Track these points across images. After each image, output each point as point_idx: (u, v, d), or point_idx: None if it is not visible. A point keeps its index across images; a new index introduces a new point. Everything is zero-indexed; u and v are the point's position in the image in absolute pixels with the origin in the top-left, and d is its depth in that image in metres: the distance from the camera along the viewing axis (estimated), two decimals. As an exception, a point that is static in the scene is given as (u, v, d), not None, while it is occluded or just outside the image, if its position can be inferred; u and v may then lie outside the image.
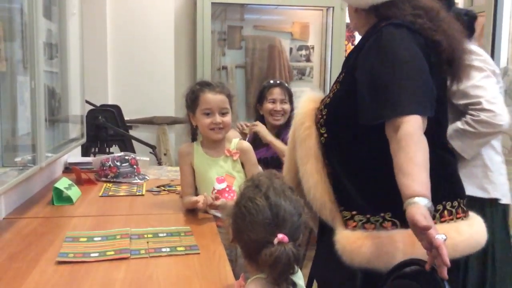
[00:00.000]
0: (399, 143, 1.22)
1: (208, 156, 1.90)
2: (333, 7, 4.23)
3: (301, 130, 1.54)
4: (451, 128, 1.77)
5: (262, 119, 2.78)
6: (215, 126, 1.84)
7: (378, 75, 1.32)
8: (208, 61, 4.05)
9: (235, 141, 1.93)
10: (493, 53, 3.81)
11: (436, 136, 1.39)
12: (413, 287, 1.18)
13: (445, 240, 1.09)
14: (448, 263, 1.07)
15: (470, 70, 1.62)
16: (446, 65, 1.44)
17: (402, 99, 1.27)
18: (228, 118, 1.86)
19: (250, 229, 1.01)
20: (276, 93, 2.71)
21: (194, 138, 1.95)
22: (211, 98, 1.83)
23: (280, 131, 2.67)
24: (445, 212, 1.39)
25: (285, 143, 2.07)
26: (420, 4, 1.43)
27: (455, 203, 1.41)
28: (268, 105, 2.70)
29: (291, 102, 2.69)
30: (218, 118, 1.83)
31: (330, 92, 1.55)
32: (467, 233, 1.38)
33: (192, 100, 1.86)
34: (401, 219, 1.29)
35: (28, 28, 1.79)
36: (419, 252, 1.16)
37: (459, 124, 1.82)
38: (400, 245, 1.31)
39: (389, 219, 1.36)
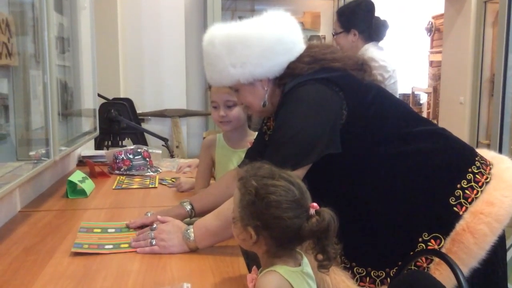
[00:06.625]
0: None
1: (229, 147, 1.90)
2: (344, -3, 4.19)
3: None
4: None
5: None
6: (221, 119, 1.82)
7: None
8: (219, 53, 4.04)
9: (256, 133, 1.92)
10: (507, 41, 3.75)
11: (397, 141, 1.35)
12: (425, 276, 1.18)
13: None
14: None
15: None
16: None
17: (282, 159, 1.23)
18: (234, 111, 1.81)
19: (282, 214, 0.94)
20: None
21: None
22: (215, 91, 1.81)
23: None
24: (467, 191, 1.31)
25: None
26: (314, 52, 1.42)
27: (469, 176, 1.33)
28: None
29: None
30: (222, 112, 1.80)
31: None
32: (499, 196, 1.29)
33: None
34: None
35: (40, 22, 1.80)
36: None
37: None
38: None
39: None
